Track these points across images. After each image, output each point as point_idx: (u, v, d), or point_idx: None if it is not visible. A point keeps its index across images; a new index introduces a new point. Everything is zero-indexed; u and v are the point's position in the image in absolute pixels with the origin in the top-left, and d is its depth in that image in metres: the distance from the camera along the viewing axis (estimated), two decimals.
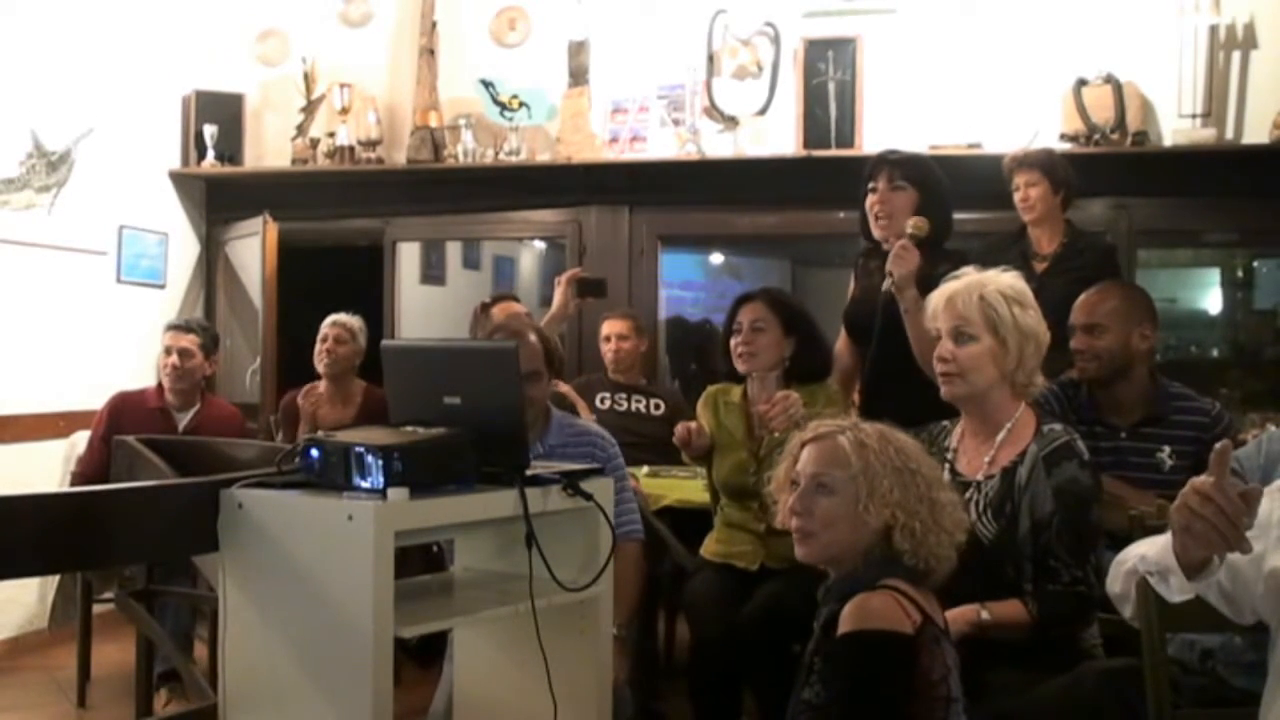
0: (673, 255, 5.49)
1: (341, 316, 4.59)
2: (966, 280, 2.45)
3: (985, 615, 2.27)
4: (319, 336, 4.55)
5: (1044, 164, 3.86)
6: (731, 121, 5.09)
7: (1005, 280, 2.44)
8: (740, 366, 3.24)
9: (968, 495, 2.38)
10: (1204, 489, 1.64)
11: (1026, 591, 2.33)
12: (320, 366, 4.53)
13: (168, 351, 4.25)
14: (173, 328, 4.33)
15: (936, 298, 2.48)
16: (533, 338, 2.98)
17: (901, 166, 3.27)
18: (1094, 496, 2.37)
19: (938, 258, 3.06)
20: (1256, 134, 4.57)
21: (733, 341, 3.26)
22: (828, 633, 1.94)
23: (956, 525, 2.00)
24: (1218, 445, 1.66)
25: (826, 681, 1.91)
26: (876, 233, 3.28)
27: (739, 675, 2.98)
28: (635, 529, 3.03)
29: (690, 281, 8.13)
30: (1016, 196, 3.87)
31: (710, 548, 3.28)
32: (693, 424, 3.30)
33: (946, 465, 2.46)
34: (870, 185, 3.29)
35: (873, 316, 3.22)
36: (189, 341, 4.24)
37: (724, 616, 3.00)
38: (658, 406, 4.55)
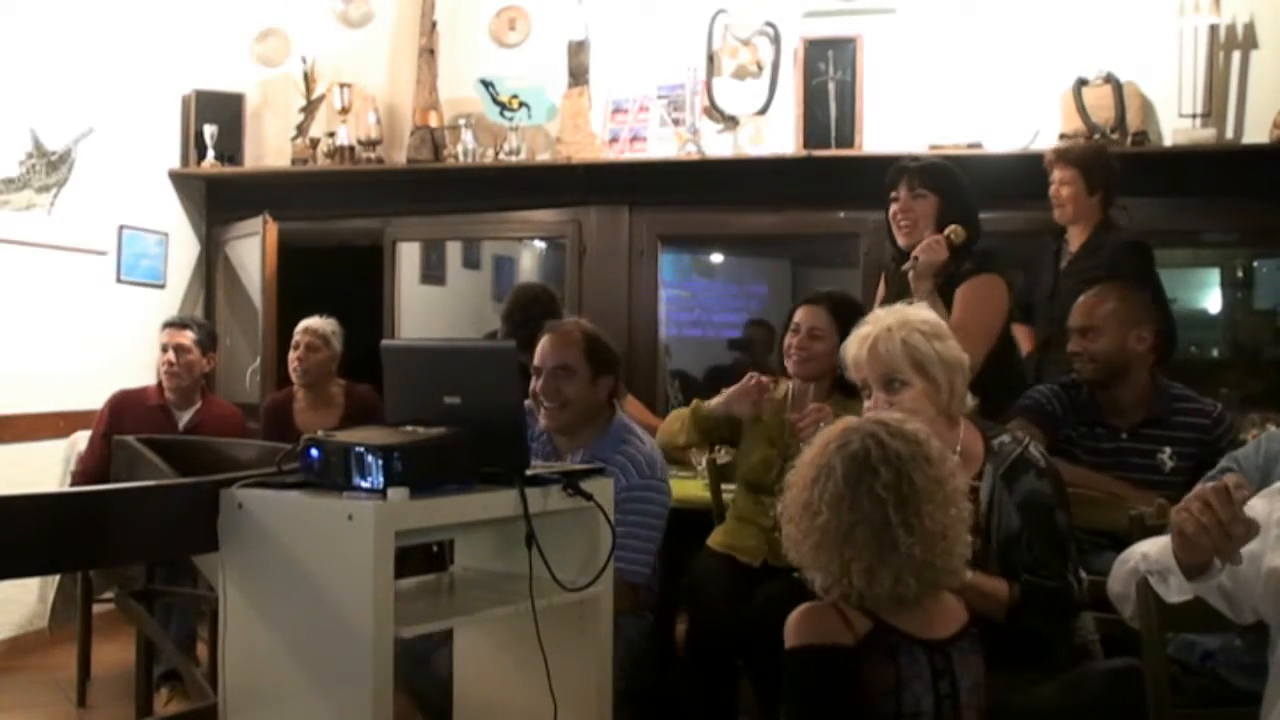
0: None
1: (314, 322, 4.49)
2: (881, 325, 2.41)
3: (967, 576, 2.19)
4: (291, 343, 4.47)
5: (1082, 162, 3.75)
6: (731, 121, 5.09)
7: (917, 316, 2.43)
8: (790, 368, 3.23)
9: None
10: (1206, 496, 1.65)
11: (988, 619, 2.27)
12: (293, 375, 4.45)
13: (164, 349, 4.25)
14: (169, 325, 4.33)
15: (855, 347, 2.42)
16: (573, 331, 2.95)
17: (921, 174, 3.28)
18: (1056, 503, 2.34)
19: (962, 256, 3.08)
20: (1256, 134, 4.56)
21: (787, 342, 3.24)
22: None
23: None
24: (1230, 479, 1.67)
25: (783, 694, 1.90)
26: (901, 240, 3.30)
27: (739, 655, 2.98)
28: (632, 569, 2.80)
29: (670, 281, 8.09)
30: (1050, 190, 3.78)
31: (717, 538, 3.29)
32: (767, 380, 3.20)
33: None
34: (892, 195, 3.30)
35: None
36: (185, 338, 4.24)
37: (726, 594, 3.01)
38: None
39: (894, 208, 3.30)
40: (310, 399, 4.48)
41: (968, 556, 1.94)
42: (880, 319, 2.43)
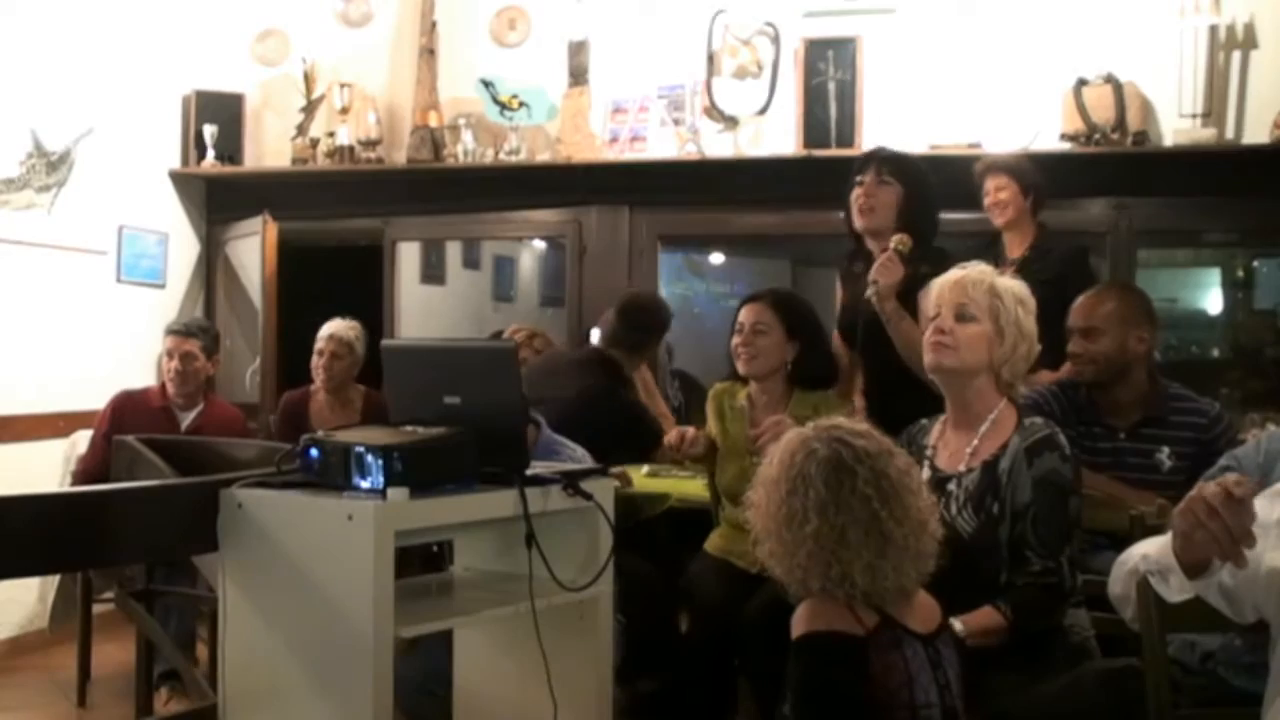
0: None
1: (338, 328, 4.51)
2: (979, 269, 2.47)
3: (959, 627, 2.20)
4: (315, 348, 4.50)
5: (1012, 168, 3.90)
6: (731, 121, 5.09)
7: (1015, 282, 2.49)
8: (740, 368, 3.24)
9: (947, 489, 2.38)
10: (1214, 501, 1.64)
11: (1000, 585, 2.30)
12: (316, 379, 4.51)
13: (170, 356, 4.25)
14: (173, 332, 4.32)
15: (943, 281, 2.48)
16: None
17: (890, 163, 3.29)
18: (1073, 489, 2.37)
19: (922, 254, 3.07)
20: (1256, 134, 4.56)
21: (733, 342, 3.25)
22: None
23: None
24: (1230, 478, 1.67)
25: (790, 687, 1.91)
26: (858, 223, 3.28)
27: (735, 650, 2.98)
28: None
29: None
30: (987, 201, 3.91)
31: (714, 542, 3.30)
32: (687, 431, 3.29)
33: (925, 462, 2.45)
34: (857, 179, 3.29)
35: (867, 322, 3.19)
36: (191, 346, 4.24)
37: (723, 597, 3.01)
38: None
39: (857, 190, 3.29)
40: (329, 400, 4.53)
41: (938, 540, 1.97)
42: (978, 267, 2.49)
